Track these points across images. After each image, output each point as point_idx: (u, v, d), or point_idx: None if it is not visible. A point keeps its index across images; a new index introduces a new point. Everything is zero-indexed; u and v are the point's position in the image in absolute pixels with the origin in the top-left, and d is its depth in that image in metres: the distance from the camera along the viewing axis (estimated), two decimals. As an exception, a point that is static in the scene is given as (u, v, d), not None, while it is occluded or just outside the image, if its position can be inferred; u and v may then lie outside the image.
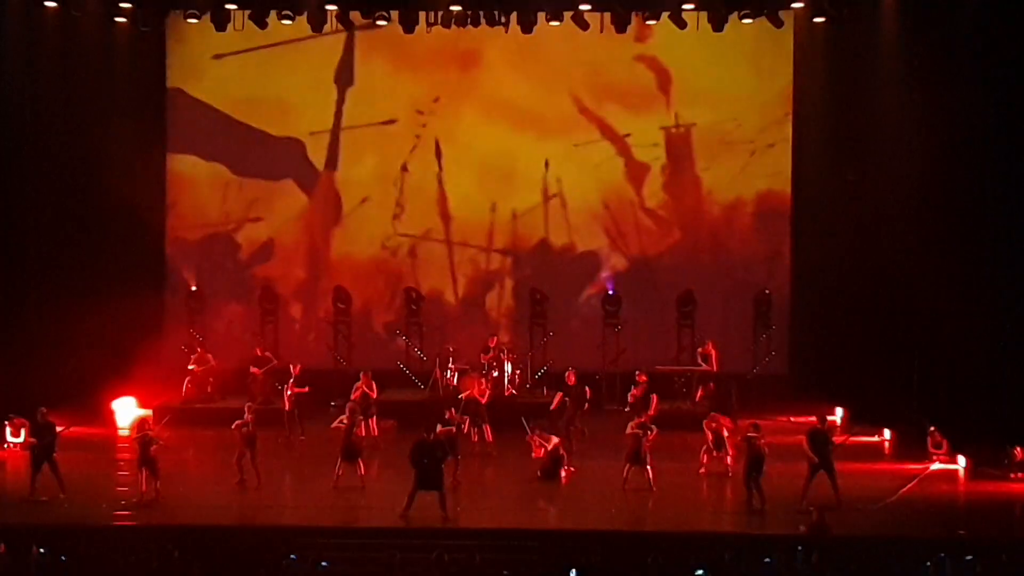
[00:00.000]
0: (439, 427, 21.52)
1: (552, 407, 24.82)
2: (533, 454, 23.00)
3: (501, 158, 30.48)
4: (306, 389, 25.58)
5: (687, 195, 30.59)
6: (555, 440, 23.01)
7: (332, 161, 30.79)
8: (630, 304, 29.56)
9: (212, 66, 30.55)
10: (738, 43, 29.13)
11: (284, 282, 30.67)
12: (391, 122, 30.54)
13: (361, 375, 25.23)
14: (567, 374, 24.99)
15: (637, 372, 25.62)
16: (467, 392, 24.75)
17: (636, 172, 30.58)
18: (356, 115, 30.64)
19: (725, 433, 22.75)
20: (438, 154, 30.62)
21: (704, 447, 22.94)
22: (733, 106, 30.11)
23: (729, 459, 22.62)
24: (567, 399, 24.63)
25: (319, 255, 30.93)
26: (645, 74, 30.38)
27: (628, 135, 30.43)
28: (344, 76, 30.61)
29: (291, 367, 25.96)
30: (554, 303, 30.03)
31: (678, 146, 30.45)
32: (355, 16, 28.44)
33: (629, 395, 25.27)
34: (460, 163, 30.65)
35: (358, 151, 30.70)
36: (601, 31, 28.40)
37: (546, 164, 30.49)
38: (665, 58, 30.23)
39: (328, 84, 30.63)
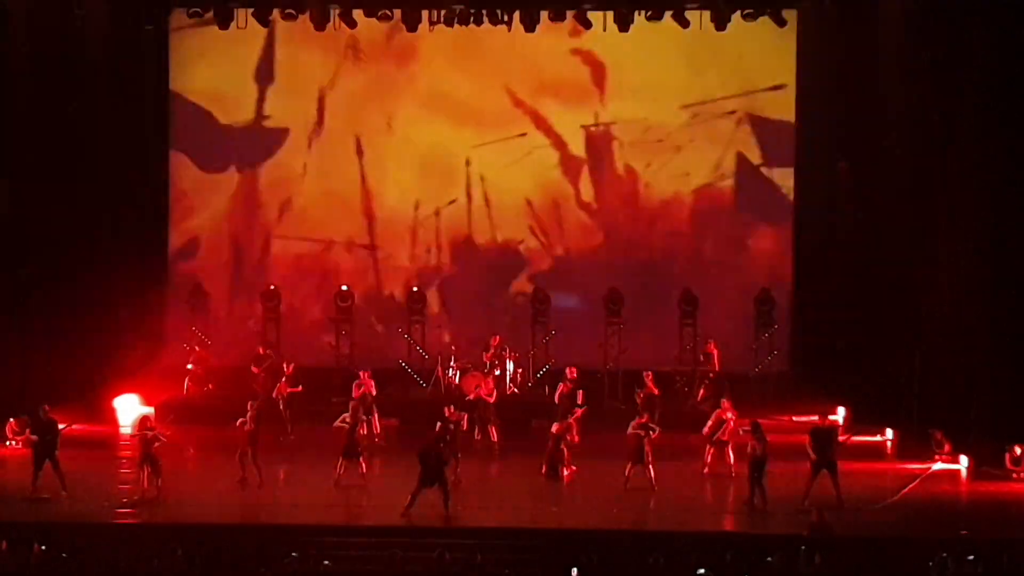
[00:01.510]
0: (439, 425, 21.49)
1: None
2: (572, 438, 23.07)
3: (436, 153, 30.37)
4: (299, 389, 25.57)
5: (619, 189, 30.54)
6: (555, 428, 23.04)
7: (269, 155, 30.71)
8: (630, 303, 29.56)
9: (208, 64, 30.49)
10: (676, 36, 28.80)
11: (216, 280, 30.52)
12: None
13: (361, 373, 25.23)
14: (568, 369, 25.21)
15: (645, 373, 25.61)
16: (474, 393, 24.76)
17: (571, 166, 30.53)
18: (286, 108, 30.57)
19: (730, 423, 22.67)
20: (358, 151, 30.45)
21: (707, 444, 22.94)
22: (670, 100, 30.06)
23: (732, 456, 22.59)
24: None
25: (253, 253, 30.86)
26: (580, 68, 30.23)
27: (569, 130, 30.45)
28: (267, 70, 30.44)
29: (284, 366, 25.97)
30: (486, 298, 30.27)
31: (603, 141, 30.36)
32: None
33: (636, 396, 25.23)
34: (398, 159, 30.49)
35: (293, 147, 30.53)
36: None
37: (467, 162, 30.35)
38: (600, 51, 30.06)
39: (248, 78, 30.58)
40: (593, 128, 30.41)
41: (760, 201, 30.35)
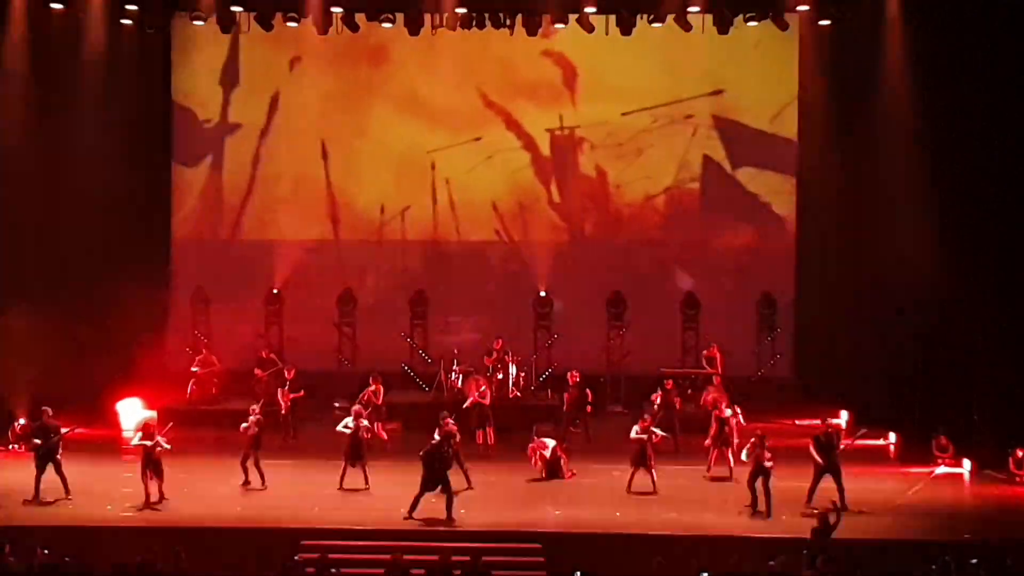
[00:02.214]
0: (436, 432, 21.45)
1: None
2: (532, 463, 23.01)
3: (407, 155, 30.38)
4: (301, 393, 25.54)
5: (590, 191, 30.60)
6: (552, 443, 23.02)
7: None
8: (634, 306, 29.56)
9: (184, 65, 30.56)
10: (646, 38, 28.71)
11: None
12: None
13: (371, 379, 25.19)
14: (569, 374, 25.25)
15: (665, 381, 25.61)
16: (470, 400, 24.77)
17: (543, 168, 30.55)
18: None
19: (727, 413, 22.70)
20: (324, 154, 30.49)
21: (708, 440, 22.96)
22: (646, 101, 30.11)
23: (733, 459, 22.59)
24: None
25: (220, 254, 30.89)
26: (552, 70, 30.27)
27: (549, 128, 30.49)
28: (232, 73, 30.53)
29: (285, 371, 25.96)
30: (447, 299, 30.23)
31: (576, 143, 30.39)
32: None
33: (653, 396, 25.27)
34: (372, 160, 30.49)
35: (271, 149, 30.66)
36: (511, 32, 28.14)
37: (432, 166, 30.33)
38: (572, 53, 30.11)
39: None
40: (559, 131, 30.40)
41: (757, 204, 30.30)
